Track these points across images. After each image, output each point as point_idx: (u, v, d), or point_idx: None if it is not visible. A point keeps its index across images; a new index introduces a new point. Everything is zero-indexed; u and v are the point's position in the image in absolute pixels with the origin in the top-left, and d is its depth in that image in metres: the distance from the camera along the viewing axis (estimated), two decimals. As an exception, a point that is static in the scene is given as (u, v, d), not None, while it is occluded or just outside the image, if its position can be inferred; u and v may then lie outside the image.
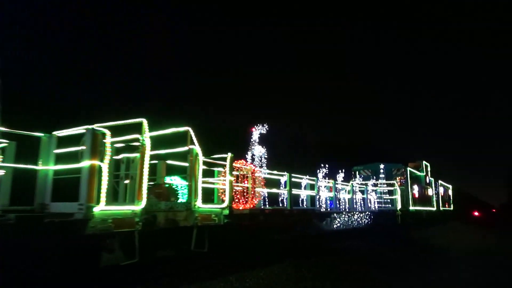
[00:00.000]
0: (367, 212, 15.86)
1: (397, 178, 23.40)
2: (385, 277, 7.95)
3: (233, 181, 8.32)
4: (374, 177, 23.51)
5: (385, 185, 21.51)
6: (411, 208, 23.08)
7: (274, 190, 11.80)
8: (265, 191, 11.96)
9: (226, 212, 7.68)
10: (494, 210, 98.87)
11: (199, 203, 7.09)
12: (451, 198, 42.75)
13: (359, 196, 17.42)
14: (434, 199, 31.74)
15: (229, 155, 8.02)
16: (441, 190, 36.25)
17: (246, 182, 9.30)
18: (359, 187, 17.44)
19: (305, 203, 12.94)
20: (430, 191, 30.43)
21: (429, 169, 29.36)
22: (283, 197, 12.29)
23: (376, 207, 18.14)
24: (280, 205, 12.76)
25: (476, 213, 79.66)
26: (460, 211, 49.49)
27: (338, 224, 12.77)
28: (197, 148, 7.23)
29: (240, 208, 8.79)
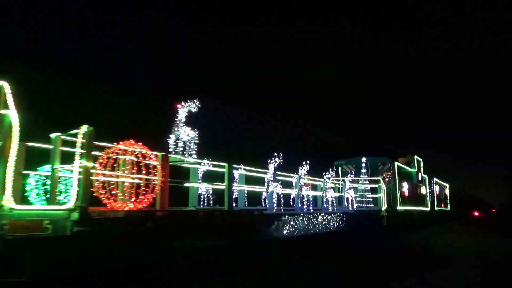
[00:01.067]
0: (339, 214, 13.07)
1: (384, 174, 20.65)
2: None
3: (98, 168, 5.55)
4: (358, 173, 20.80)
5: (368, 182, 18.74)
6: (399, 208, 20.33)
7: (193, 185, 9.09)
8: (207, 186, 9.24)
9: (75, 216, 4.93)
10: (494, 210, 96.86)
11: (8, 202, 4.35)
12: (448, 197, 39.99)
13: (331, 194, 14.72)
14: (428, 198, 28.98)
15: (84, 128, 5.24)
16: (437, 188, 33.49)
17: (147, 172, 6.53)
18: (333, 183, 14.69)
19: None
20: (423, 190, 27.67)
21: (421, 165, 26.59)
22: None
23: (355, 207, 15.38)
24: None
25: (476, 213, 77.92)
26: (458, 211, 46.72)
27: (292, 229, 10.02)
28: (12, 114, 4.48)
29: (126, 208, 6.01)
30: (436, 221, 31.28)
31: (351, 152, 23.77)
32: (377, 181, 18.45)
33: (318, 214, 11.53)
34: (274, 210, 10.07)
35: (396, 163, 20.89)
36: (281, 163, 11.38)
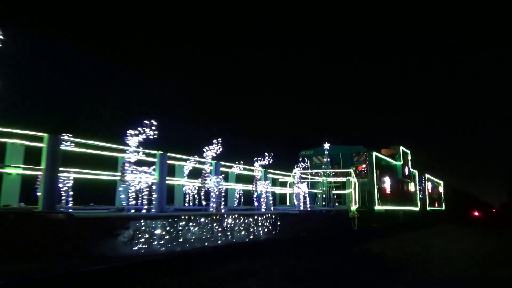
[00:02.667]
0: (268, 215, 9.38)
1: (359, 167, 17.11)
2: None
3: None
4: (330, 166, 17.28)
5: (336, 175, 15.22)
6: (378, 207, 16.78)
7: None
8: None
9: None
10: (494, 210, 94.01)
11: None
12: (443, 196, 36.45)
13: (303, 190, 11.41)
14: (418, 196, 25.43)
15: None
16: (429, 186, 29.93)
17: None
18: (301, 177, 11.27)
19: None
20: (412, 187, 24.12)
21: (409, 158, 23.02)
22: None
23: (308, 206, 11.87)
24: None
25: (476, 213, 75.18)
26: (454, 211, 43.18)
27: (172, 241, 6.37)
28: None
29: None
30: (427, 222, 27.72)
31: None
32: (347, 174, 14.89)
33: (227, 216, 7.87)
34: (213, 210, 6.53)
35: (375, 153, 17.34)
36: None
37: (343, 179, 14.57)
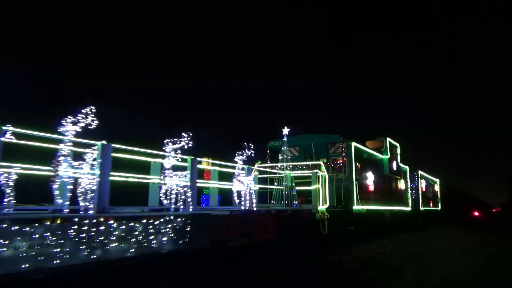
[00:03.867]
0: (172, 218, 6.69)
1: (334, 160, 14.56)
2: None
3: None
4: (302, 158, 14.74)
5: (304, 168, 12.69)
6: (356, 207, 14.24)
7: None
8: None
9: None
10: (494, 210, 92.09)
11: None
12: (439, 195, 33.91)
13: (247, 185, 8.91)
14: (409, 195, 22.88)
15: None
16: (423, 184, 27.39)
17: None
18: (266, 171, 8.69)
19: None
20: (402, 184, 21.57)
21: (398, 151, 20.46)
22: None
23: (254, 205, 9.33)
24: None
25: (476, 213, 73.70)
26: (451, 211, 40.66)
27: None
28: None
29: None
30: (419, 224, 25.21)
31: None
32: (316, 167, 12.35)
33: (103, 220, 5.30)
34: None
35: (354, 144, 14.78)
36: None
37: (308, 173, 12.02)
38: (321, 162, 12.58)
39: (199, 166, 8.52)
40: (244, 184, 9.13)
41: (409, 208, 22.50)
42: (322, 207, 11.66)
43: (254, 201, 9.48)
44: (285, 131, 11.91)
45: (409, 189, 22.83)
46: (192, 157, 8.05)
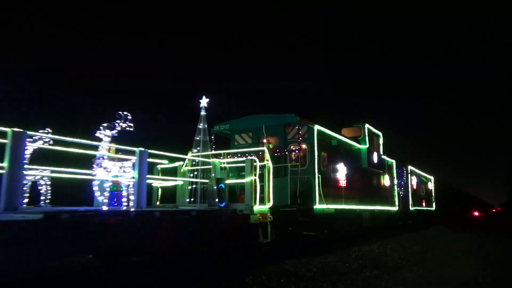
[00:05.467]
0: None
1: (295, 148, 11.61)
2: None
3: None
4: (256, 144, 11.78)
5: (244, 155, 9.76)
6: (318, 206, 11.28)
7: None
8: None
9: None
10: (494, 210, 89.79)
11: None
12: (433, 194, 30.95)
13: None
14: (396, 193, 19.91)
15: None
16: (414, 181, 24.41)
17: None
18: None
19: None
20: (387, 180, 18.60)
21: (381, 141, 17.46)
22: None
23: (143, 204, 6.40)
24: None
25: (476, 213, 72.21)
26: (448, 211, 37.70)
27: None
28: None
29: None
30: (409, 225, 22.23)
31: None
32: (258, 155, 9.39)
33: None
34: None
35: (317, 127, 11.78)
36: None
37: (241, 163, 9.01)
38: (264, 148, 9.62)
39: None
40: (116, 172, 6.18)
41: (395, 208, 19.54)
42: (260, 207, 8.69)
43: (130, 198, 6.58)
44: (203, 102, 8.88)
45: (395, 186, 19.87)
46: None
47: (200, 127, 8.46)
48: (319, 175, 11.45)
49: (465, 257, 10.96)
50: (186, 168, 10.17)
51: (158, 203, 10.10)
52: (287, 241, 10.14)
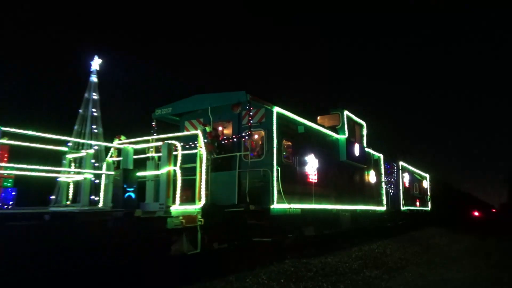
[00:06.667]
0: None
1: (250, 134, 9.48)
2: None
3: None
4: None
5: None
6: (277, 206, 9.15)
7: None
8: None
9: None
10: (494, 210, 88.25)
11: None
12: (429, 192, 28.84)
13: None
14: (384, 191, 17.80)
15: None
16: (406, 178, 22.29)
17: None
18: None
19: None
20: (372, 176, 16.48)
21: (364, 132, 15.30)
22: None
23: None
24: None
25: (476, 213, 70.81)
26: (445, 212, 35.55)
27: None
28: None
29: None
30: (398, 227, 20.10)
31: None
32: (189, 141, 7.28)
33: None
34: None
35: (277, 109, 9.65)
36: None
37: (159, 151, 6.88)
38: (198, 132, 7.50)
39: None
40: None
41: (383, 208, 17.42)
42: (185, 207, 6.58)
43: None
44: (95, 64, 6.73)
45: (383, 183, 17.75)
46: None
47: (89, 97, 6.32)
48: (279, 168, 9.33)
49: (466, 257, 10.95)
50: (110, 159, 8.10)
51: (68, 202, 7.99)
52: (228, 250, 8.01)
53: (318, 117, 13.82)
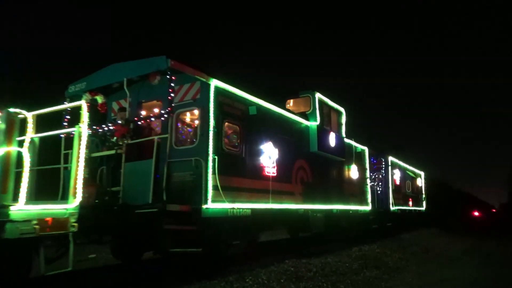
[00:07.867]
0: None
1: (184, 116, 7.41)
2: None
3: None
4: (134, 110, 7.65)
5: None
6: (212, 205, 7.09)
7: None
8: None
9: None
10: (494, 210, 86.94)
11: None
12: (424, 191, 26.79)
13: None
14: (369, 189, 15.72)
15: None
16: (396, 175, 20.19)
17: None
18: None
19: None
20: (354, 172, 14.40)
21: (343, 120, 13.19)
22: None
23: None
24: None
25: (476, 213, 69.69)
26: (442, 212, 33.51)
27: None
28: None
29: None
30: (385, 228, 18.02)
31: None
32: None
33: None
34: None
35: (216, 82, 7.59)
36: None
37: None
38: (81, 102, 5.42)
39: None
40: None
41: (368, 207, 15.34)
42: (44, 207, 4.53)
43: None
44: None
45: (368, 180, 15.68)
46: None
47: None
48: (216, 157, 7.26)
49: (465, 257, 11.07)
50: None
51: None
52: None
53: (288, 101, 11.79)
